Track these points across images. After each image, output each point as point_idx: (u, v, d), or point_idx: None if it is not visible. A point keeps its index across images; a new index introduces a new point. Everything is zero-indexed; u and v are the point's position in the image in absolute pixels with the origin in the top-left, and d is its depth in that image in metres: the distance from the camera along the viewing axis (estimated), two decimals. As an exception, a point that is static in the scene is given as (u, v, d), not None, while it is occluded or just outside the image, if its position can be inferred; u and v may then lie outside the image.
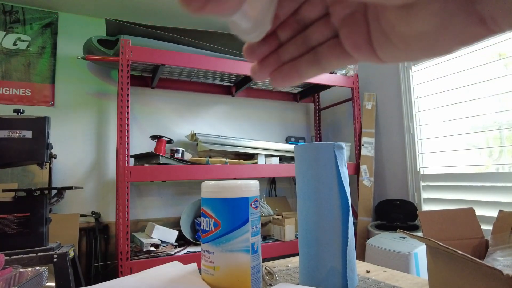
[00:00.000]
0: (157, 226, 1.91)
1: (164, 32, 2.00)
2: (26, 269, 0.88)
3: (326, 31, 0.20)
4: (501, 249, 0.53)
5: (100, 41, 2.06)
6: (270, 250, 1.95)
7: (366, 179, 2.31)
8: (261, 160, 2.20)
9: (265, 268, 0.70)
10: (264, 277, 0.64)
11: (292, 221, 2.04)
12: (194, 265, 0.60)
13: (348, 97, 2.54)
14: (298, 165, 0.62)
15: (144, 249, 1.76)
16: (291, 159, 2.36)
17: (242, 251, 0.51)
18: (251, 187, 0.54)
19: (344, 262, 0.56)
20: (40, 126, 1.42)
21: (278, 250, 1.98)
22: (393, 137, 2.28)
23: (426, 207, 2.04)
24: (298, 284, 0.60)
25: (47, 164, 1.55)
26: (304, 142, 2.84)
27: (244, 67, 2.10)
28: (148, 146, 2.26)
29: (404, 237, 1.66)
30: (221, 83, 2.58)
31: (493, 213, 1.06)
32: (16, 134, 1.37)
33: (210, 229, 0.52)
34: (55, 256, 1.34)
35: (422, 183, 2.06)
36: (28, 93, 2.13)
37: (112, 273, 2.09)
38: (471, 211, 0.59)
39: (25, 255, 1.31)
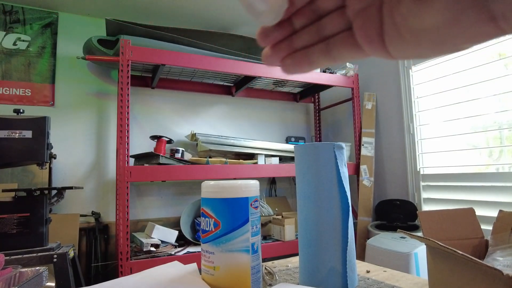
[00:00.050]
0: (157, 226, 1.91)
1: (164, 32, 2.00)
2: (26, 269, 0.88)
3: (340, 22, 0.21)
4: (501, 249, 0.53)
5: (100, 41, 2.06)
6: (270, 250, 1.95)
7: (366, 179, 2.31)
8: (261, 160, 2.20)
9: (265, 268, 0.70)
10: (264, 277, 0.64)
11: (292, 221, 2.04)
12: (194, 265, 0.60)
13: (348, 97, 2.54)
14: (298, 165, 0.62)
15: (144, 249, 1.76)
16: (291, 159, 2.36)
17: (242, 251, 0.51)
18: (251, 187, 0.54)
19: (344, 262, 0.56)
20: (40, 126, 1.42)
21: (278, 250, 1.98)
22: (393, 137, 2.28)
23: (426, 207, 2.04)
24: (298, 284, 0.60)
25: (47, 164, 1.55)
26: (304, 142, 2.84)
27: (244, 67, 2.10)
28: (148, 146, 2.26)
29: (404, 237, 1.66)
30: (221, 83, 2.58)
31: (493, 213, 1.06)
32: (16, 134, 1.37)
33: (210, 229, 0.52)
34: (55, 256, 1.34)
35: (422, 183, 2.06)
36: (28, 93, 2.13)
37: (112, 273, 2.09)
38: (471, 211, 0.59)
39: (25, 255, 1.31)
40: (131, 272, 1.64)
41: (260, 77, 2.21)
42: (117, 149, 1.88)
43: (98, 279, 2.05)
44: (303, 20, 0.22)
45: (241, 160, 2.15)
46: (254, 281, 0.52)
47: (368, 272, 0.69)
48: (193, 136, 2.15)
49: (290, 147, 2.37)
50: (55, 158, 1.75)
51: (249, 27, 2.61)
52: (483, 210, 1.63)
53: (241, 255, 0.51)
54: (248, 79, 2.36)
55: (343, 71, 2.46)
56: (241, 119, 2.73)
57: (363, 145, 2.35)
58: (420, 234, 0.55)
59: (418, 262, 1.49)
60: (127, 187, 1.70)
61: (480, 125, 1.77)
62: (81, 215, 2.07)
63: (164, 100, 2.47)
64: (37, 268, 0.90)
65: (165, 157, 1.88)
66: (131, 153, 1.90)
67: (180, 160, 1.97)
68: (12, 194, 1.39)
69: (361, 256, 1.89)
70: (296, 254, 0.71)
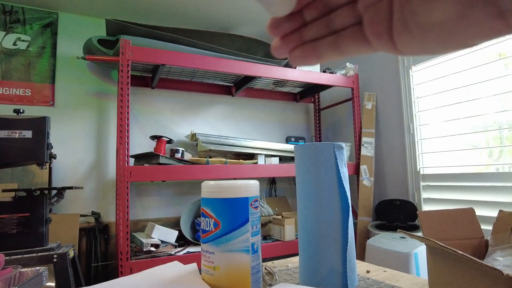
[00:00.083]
0: (157, 226, 1.91)
1: (164, 32, 2.00)
2: (26, 269, 0.88)
3: (351, 17, 0.21)
4: (501, 249, 0.53)
5: (100, 41, 2.06)
6: (270, 250, 1.95)
7: (366, 179, 2.31)
8: (261, 160, 2.20)
9: (265, 268, 0.70)
10: (264, 277, 0.64)
11: (292, 221, 2.04)
12: (194, 265, 0.60)
13: (348, 97, 2.54)
14: (298, 165, 0.62)
15: (144, 249, 1.76)
16: (291, 159, 2.36)
17: (242, 251, 0.51)
18: (251, 187, 0.54)
19: (344, 262, 0.56)
20: (40, 126, 1.42)
21: (278, 250, 1.98)
22: (393, 137, 2.28)
23: (426, 207, 2.04)
24: (298, 284, 0.60)
25: (47, 164, 1.55)
26: (304, 142, 2.84)
27: (244, 67, 2.10)
28: (148, 146, 2.26)
29: (404, 237, 1.66)
30: (221, 83, 2.58)
31: (493, 213, 1.06)
32: (16, 134, 1.37)
33: (210, 229, 0.52)
34: (55, 256, 1.34)
35: (422, 183, 2.06)
36: (28, 93, 2.13)
37: (112, 273, 2.09)
38: (471, 211, 0.59)
39: (25, 255, 1.31)
40: (131, 272, 1.64)
41: (260, 77, 2.21)
42: (117, 149, 1.88)
43: (98, 279, 2.05)
44: (314, 13, 0.23)
45: (241, 160, 2.15)
46: (254, 281, 0.52)
47: (368, 272, 0.69)
48: (193, 136, 2.15)
49: (290, 147, 2.37)
50: (55, 158, 1.75)
51: (249, 27, 2.61)
52: (483, 210, 1.63)
53: (241, 255, 0.51)
54: (248, 79, 2.36)
55: (343, 71, 2.46)
56: (241, 119, 2.73)
57: (363, 145, 2.35)
58: (420, 234, 0.55)
59: (418, 262, 1.49)
60: (127, 187, 1.70)
61: (480, 125, 1.77)
62: (81, 215, 2.07)
63: (164, 100, 2.47)
64: (37, 268, 0.90)
65: (165, 157, 1.88)
66: (131, 153, 1.90)
67: (180, 160, 1.97)
68: (12, 194, 1.39)
69: (361, 256, 1.89)
70: (296, 254, 0.71)
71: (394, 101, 2.27)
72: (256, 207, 0.54)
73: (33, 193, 1.41)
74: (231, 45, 2.24)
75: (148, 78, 2.38)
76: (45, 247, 1.37)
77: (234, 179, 1.85)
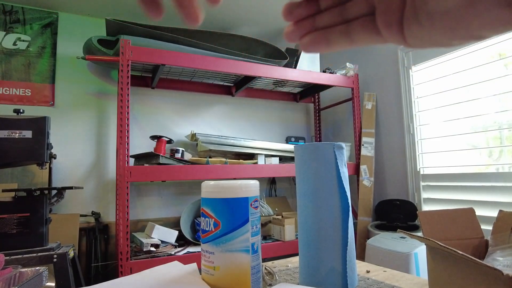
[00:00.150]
0: (157, 226, 1.91)
1: (164, 32, 2.00)
2: (26, 269, 0.88)
3: (364, 7, 0.22)
4: (501, 249, 0.53)
5: (100, 41, 2.06)
6: (270, 250, 1.95)
7: (366, 179, 2.31)
8: (261, 160, 2.20)
9: (265, 268, 0.70)
10: (264, 277, 0.64)
11: (292, 221, 2.04)
12: (194, 265, 0.60)
13: (348, 97, 2.54)
14: (298, 165, 0.62)
15: (144, 249, 1.76)
16: (291, 159, 2.36)
17: (242, 251, 0.51)
18: (251, 187, 0.54)
19: (344, 262, 0.56)
20: (40, 126, 1.42)
21: (278, 250, 1.98)
22: (393, 137, 2.28)
23: (426, 207, 2.04)
24: (298, 284, 0.60)
25: (47, 164, 1.55)
26: (304, 142, 2.84)
27: (244, 67, 2.10)
28: (148, 146, 2.26)
29: (404, 237, 1.66)
30: (221, 83, 2.58)
31: (493, 213, 1.06)
32: (16, 134, 1.37)
33: (210, 229, 0.52)
34: (55, 256, 1.34)
35: (422, 183, 2.06)
36: (28, 93, 2.13)
37: (112, 273, 2.09)
38: (471, 211, 0.59)
39: (25, 255, 1.31)
40: (131, 272, 1.64)
41: (260, 77, 2.21)
42: (117, 149, 1.88)
43: (98, 279, 2.05)
44: (330, 1, 0.23)
45: (241, 160, 2.15)
46: (254, 281, 0.52)
47: (368, 272, 0.69)
48: (193, 136, 2.15)
49: (290, 147, 2.37)
50: (55, 158, 1.75)
51: (249, 27, 2.61)
52: (483, 210, 1.63)
53: (241, 255, 0.51)
54: (248, 79, 2.36)
55: (343, 71, 2.46)
56: (241, 119, 2.73)
57: (363, 145, 2.35)
58: (420, 234, 0.55)
59: (418, 262, 1.49)
60: (127, 187, 1.70)
61: (480, 125, 1.77)
62: (81, 215, 2.07)
63: (164, 100, 2.47)
64: (37, 268, 0.90)
65: (165, 157, 1.88)
66: (131, 153, 1.90)
67: (180, 160, 1.97)
68: (12, 194, 1.39)
69: (361, 256, 1.89)
70: (296, 254, 0.71)
71: (394, 101, 2.27)
72: (256, 207, 0.54)
73: (33, 193, 1.41)
74: (231, 45, 2.24)
75: (148, 78, 2.38)
76: (45, 247, 1.37)
77: (234, 179, 1.85)
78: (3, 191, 1.40)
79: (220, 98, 2.65)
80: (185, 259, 1.74)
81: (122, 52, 1.77)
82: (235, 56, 2.17)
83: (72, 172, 2.17)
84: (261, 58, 2.25)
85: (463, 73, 1.82)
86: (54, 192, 1.56)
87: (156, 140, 2.18)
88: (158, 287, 0.51)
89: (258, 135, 2.76)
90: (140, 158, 2.01)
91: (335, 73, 2.45)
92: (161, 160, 1.84)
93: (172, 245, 1.90)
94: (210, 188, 0.53)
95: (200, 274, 0.55)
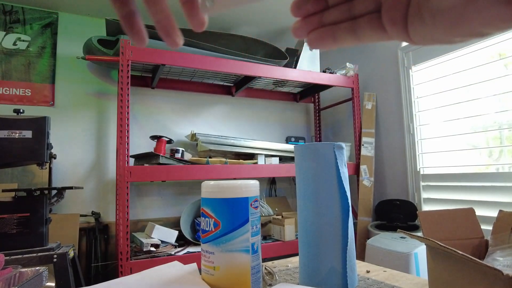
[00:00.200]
0: (157, 226, 1.91)
1: (164, 32, 2.00)
2: (26, 269, 0.88)
3: (371, 4, 0.22)
4: (501, 249, 0.53)
5: (100, 41, 2.06)
6: (270, 250, 1.95)
7: (366, 179, 2.31)
8: (261, 160, 2.20)
9: (265, 268, 0.70)
10: (264, 277, 0.64)
11: (292, 221, 2.04)
12: (194, 265, 0.60)
13: (348, 97, 2.54)
14: (298, 165, 0.62)
15: (144, 249, 1.76)
16: (291, 159, 2.36)
17: (242, 251, 0.51)
18: (251, 187, 0.54)
19: (344, 262, 0.56)
20: (40, 126, 1.42)
21: (278, 250, 1.98)
22: (393, 137, 2.28)
23: (426, 207, 2.04)
24: (298, 284, 0.60)
25: (47, 164, 1.55)
26: (304, 142, 2.84)
27: (244, 67, 2.10)
28: (148, 146, 2.26)
29: (404, 237, 1.66)
30: (221, 83, 2.58)
31: (493, 213, 1.06)
32: (16, 134, 1.37)
33: (210, 229, 0.52)
34: (55, 256, 1.34)
35: (422, 183, 2.06)
36: (28, 93, 2.13)
37: (112, 273, 2.09)
38: (471, 211, 0.59)
39: (25, 255, 1.31)
40: (131, 272, 1.64)
41: (260, 77, 2.21)
42: (117, 149, 1.88)
43: (98, 279, 2.05)
44: None
45: (241, 160, 2.15)
46: (254, 281, 0.52)
47: (368, 272, 0.69)
48: (193, 136, 2.15)
49: (290, 147, 2.37)
50: (55, 158, 1.75)
51: (249, 27, 2.61)
52: (483, 210, 1.63)
53: (241, 255, 0.51)
54: (248, 79, 2.36)
55: (343, 71, 2.46)
56: (241, 119, 2.73)
57: (363, 145, 2.35)
58: (420, 234, 0.55)
59: (418, 262, 1.49)
60: (127, 187, 1.70)
61: (480, 125, 1.77)
62: (81, 215, 2.07)
63: (164, 100, 2.47)
64: (37, 268, 0.90)
65: (165, 157, 1.88)
66: (131, 153, 1.90)
67: (180, 160, 1.97)
68: (12, 194, 1.39)
69: (361, 256, 1.89)
70: (296, 254, 0.71)
71: (394, 101, 2.27)
72: (256, 207, 0.54)
73: (33, 193, 1.41)
74: (231, 45, 2.24)
75: (148, 78, 2.38)
76: (45, 247, 1.37)
77: (234, 179, 1.85)
78: (3, 191, 1.40)
79: (220, 98, 2.65)
80: (185, 259, 1.74)
81: (122, 52, 1.77)
82: (235, 56, 2.17)
83: (72, 172, 2.17)
84: (261, 58, 2.25)
85: (463, 73, 1.82)
86: (54, 192, 1.56)
87: (156, 140, 2.18)
88: (158, 287, 0.51)
89: (258, 135, 2.76)
90: (140, 158, 2.01)
91: (335, 73, 2.45)
92: (161, 160, 1.84)
93: (172, 245, 1.90)
94: (210, 188, 0.53)
95: (200, 274, 0.55)
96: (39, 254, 1.33)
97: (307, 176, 0.60)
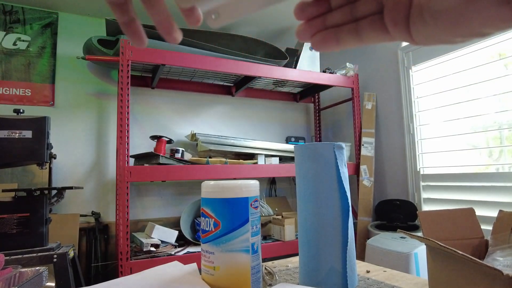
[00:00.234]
0: (157, 226, 1.91)
1: (164, 32, 2.00)
2: (26, 269, 0.88)
3: (373, 6, 0.23)
4: (501, 249, 0.53)
5: (100, 41, 2.06)
6: (270, 250, 1.95)
7: (366, 179, 2.31)
8: (261, 160, 2.20)
9: (265, 268, 0.70)
10: (264, 277, 0.64)
11: (292, 221, 2.04)
12: (194, 265, 0.60)
13: (348, 97, 2.54)
14: (298, 165, 0.62)
15: (144, 249, 1.76)
16: (291, 159, 2.36)
17: (242, 251, 0.51)
18: (251, 187, 0.54)
19: (344, 262, 0.56)
20: (40, 126, 1.42)
21: (278, 250, 1.98)
22: (393, 137, 2.28)
23: (426, 207, 2.04)
24: (298, 284, 0.60)
25: (47, 164, 1.55)
26: (304, 142, 2.84)
27: (244, 67, 2.10)
28: (148, 146, 2.26)
29: (404, 237, 1.66)
30: (221, 83, 2.58)
31: (493, 213, 1.06)
32: (16, 134, 1.37)
33: (210, 229, 0.52)
34: (55, 256, 1.34)
35: (422, 183, 2.06)
36: (28, 93, 2.13)
37: (112, 273, 2.09)
38: (471, 211, 0.59)
39: (25, 255, 1.31)
40: (131, 272, 1.64)
41: (260, 77, 2.21)
42: (117, 149, 1.88)
43: (98, 279, 2.05)
44: (340, 1, 0.24)
45: (241, 160, 2.15)
46: (254, 281, 0.52)
47: (368, 272, 0.69)
48: (193, 136, 2.15)
49: (290, 147, 2.37)
50: (55, 158, 1.75)
51: (249, 27, 2.61)
52: (483, 210, 1.63)
53: (241, 255, 0.51)
54: (248, 79, 2.36)
55: (343, 71, 2.46)
56: (241, 119, 2.73)
57: (363, 145, 2.35)
58: (420, 234, 0.55)
59: (418, 262, 1.49)
60: (127, 187, 1.70)
61: (480, 125, 1.77)
62: (81, 215, 2.07)
63: (164, 100, 2.47)
64: (37, 268, 0.90)
65: (165, 157, 1.88)
66: (131, 153, 1.90)
67: (180, 160, 1.97)
68: (12, 194, 1.39)
69: (361, 256, 1.89)
70: (296, 254, 0.71)
71: (394, 101, 2.27)
72: (256, 207, 0.54)
73: (33, 193, 1.41)
74: (231, 45, 2.24)
75: (148, 78, 2.38)
76: (45, 247, 1.37)
77: (234, 179, 1.85)
78: (3, 191, 1.40)
79: (220, 98, 2.65)
80: (185, 259, 1.74)
81: (122, 52, 1.77)
82: (235, 56, 2.17)
83: (72, 172, 2.17)
84: (261, 58, 2.25)
85: (463, 73, 1.82)
86: (54, 192, 1.56)
87: (156, 140, 2.18)
88: (158, 287, 0.51)
89: (258, 135, 2.76)
90: (140, 158, 2.01)
91: (335, 73, 2.45)
92: (161, 160, 1.84)
93: (172, 245, 1.90)
94: (210, 188, 0.53)
95: (200, 274, 0.55)
96: (39, 254, 1.33)
97: (307, 176, 0.60)
